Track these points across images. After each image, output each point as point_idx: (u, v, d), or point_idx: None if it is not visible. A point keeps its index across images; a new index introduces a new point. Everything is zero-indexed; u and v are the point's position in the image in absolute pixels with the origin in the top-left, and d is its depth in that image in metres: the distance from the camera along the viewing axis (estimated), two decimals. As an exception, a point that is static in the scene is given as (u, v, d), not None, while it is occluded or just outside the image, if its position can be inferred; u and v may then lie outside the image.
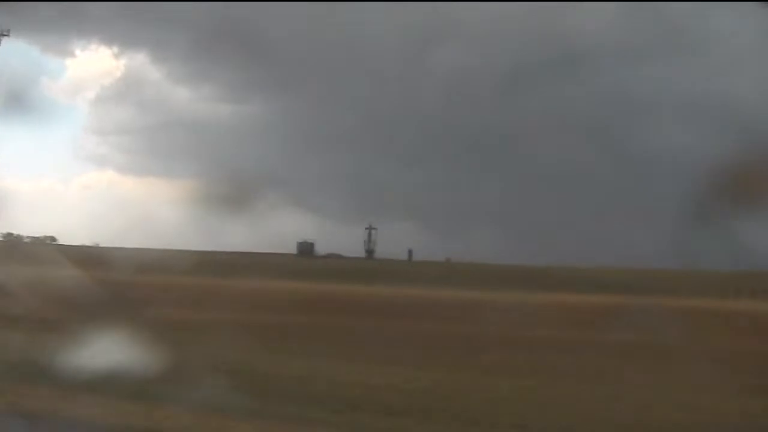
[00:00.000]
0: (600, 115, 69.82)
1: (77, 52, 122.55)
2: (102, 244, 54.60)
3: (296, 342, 20.65)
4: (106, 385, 12.92)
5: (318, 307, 28.51)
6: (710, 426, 13.07)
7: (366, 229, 66.02)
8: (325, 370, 16.29)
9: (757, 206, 21.01)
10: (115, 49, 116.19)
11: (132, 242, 50.49)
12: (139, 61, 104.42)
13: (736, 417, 13.58)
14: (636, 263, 47.92)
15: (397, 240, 64.50)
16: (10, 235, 65.86)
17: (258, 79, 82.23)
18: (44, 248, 49.92)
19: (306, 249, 65.05)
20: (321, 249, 66.12)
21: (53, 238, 60.27)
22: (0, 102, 35.36)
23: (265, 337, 19.93)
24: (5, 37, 47.64)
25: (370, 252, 64.81)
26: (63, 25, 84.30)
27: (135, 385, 13.01)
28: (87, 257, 35.98)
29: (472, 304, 30.69)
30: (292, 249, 65.51)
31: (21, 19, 59.12)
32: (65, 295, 23.61)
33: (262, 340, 18.96)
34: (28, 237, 61.70)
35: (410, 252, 63.55)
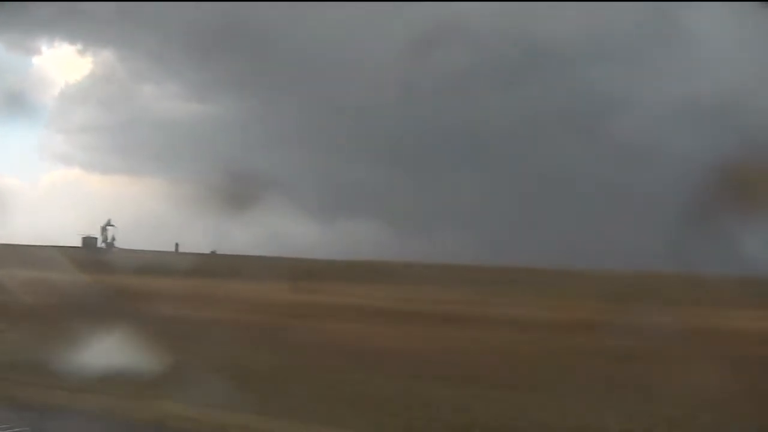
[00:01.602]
0: (587, 114, 69.72)
1: (43, 49, 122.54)
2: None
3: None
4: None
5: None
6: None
7: (102, 226, 79.03)
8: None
9: (754, 209, 20.88)
10: (80, 47, 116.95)
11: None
12: (104, 58, 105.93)
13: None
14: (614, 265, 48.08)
15: (362, 239, 65.20)
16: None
17: (223, 79, 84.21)
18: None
19: (89, 243, 78.47)
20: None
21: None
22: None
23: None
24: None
25: (109, 245, 78.63)
26: (27, 23, 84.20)
27: None
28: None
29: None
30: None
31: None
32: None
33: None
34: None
35: (177, 245, 77.06)
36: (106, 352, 17.76)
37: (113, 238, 78.68)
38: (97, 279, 43.02)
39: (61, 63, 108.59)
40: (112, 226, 78.18)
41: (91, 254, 73.75)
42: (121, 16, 66.55)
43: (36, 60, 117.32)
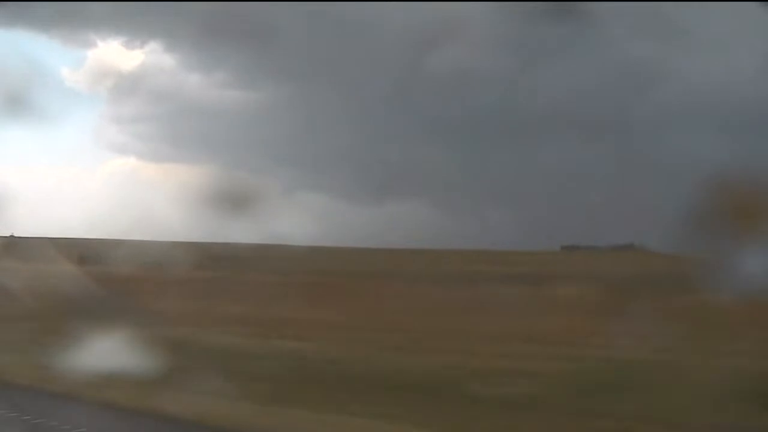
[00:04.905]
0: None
1: (98, 42, 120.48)
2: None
3: None
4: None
5: None
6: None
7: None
8: None
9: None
10: (127, 38, 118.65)
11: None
12: (152, 49, 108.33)
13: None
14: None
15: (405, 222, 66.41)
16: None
17: (268, 66, 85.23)
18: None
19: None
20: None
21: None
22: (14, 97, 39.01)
23: None
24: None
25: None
26: (80, 17, 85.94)
27: None
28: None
29: None
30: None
31: (36, 12, 65.33)
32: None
33: None
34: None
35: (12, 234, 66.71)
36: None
37: None
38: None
39: (115, 55, 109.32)
40: None
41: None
42: (166, 6, 67.95)
43: (92, 53, 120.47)
